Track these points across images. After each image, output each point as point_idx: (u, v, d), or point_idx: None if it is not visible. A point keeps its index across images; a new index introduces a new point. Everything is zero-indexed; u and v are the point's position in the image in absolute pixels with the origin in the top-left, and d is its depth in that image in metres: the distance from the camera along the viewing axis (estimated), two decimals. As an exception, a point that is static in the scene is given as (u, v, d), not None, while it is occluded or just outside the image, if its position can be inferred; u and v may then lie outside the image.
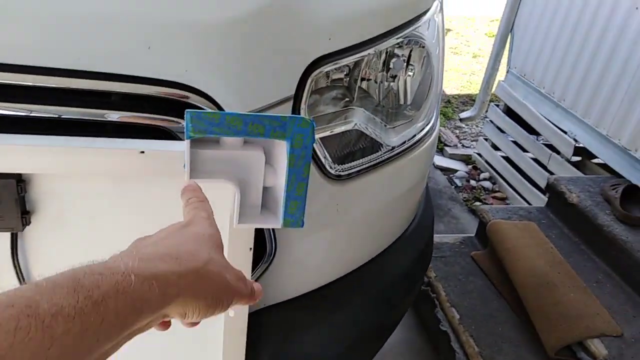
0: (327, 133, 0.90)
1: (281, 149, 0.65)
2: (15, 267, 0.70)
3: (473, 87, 5.02)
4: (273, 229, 0.84)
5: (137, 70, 0.71)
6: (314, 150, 0.86)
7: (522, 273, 1.92)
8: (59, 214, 0.69)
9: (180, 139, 0.71)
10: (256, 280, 0.88)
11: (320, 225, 0.89)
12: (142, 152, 0.63)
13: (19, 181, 0.64)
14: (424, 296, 2.04)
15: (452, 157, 3.67)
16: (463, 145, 3.85)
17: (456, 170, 3.49)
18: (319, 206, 0.88)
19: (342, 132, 0.93)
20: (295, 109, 0.83)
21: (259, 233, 0.83)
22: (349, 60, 0.88)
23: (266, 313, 0.91)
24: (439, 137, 3.85)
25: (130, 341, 0.42)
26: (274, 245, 0.85)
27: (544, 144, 2.90)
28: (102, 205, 0.69)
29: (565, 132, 2.68)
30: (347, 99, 0.96)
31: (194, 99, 0.74)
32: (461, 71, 5.51)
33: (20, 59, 0.65)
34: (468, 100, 4.74)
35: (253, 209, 0.68)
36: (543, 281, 1.87)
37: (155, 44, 0.71)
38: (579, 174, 2.59)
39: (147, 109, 0.72)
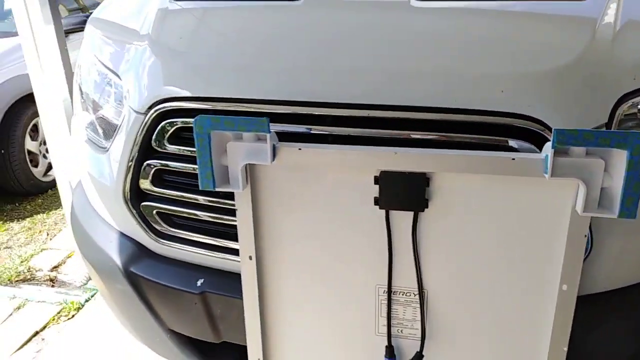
0: None
1: (619, 158, 0.88)
2: (413, 242, 1.06)
3: None
4: (591, 232, 1.04)
5: (497, 107, 1.03)
6: None
7: None
8: (446, 204, 1.03)
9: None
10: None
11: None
12: (513, 159, 0.93)
13: (424, 178, 1.00)
14: None
15: None
16: None
17: None
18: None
19: None
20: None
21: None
22: None
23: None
24: None
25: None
26: (590, 243, 1.06)
27: None
28: (475, 202, 1.01)
29: None
30: None
31: (531, 125, 1.03)
32: None
33: (428, 103, 1.04)
34: None
35: (593, 204, 0.92)
36: None
37: (507, 88, 1.03)
38: None
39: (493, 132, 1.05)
